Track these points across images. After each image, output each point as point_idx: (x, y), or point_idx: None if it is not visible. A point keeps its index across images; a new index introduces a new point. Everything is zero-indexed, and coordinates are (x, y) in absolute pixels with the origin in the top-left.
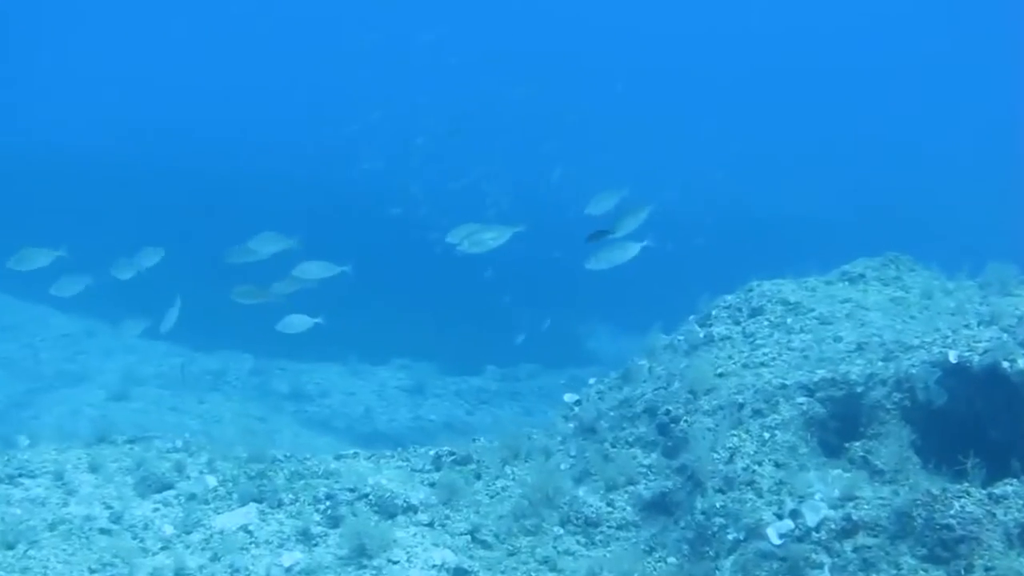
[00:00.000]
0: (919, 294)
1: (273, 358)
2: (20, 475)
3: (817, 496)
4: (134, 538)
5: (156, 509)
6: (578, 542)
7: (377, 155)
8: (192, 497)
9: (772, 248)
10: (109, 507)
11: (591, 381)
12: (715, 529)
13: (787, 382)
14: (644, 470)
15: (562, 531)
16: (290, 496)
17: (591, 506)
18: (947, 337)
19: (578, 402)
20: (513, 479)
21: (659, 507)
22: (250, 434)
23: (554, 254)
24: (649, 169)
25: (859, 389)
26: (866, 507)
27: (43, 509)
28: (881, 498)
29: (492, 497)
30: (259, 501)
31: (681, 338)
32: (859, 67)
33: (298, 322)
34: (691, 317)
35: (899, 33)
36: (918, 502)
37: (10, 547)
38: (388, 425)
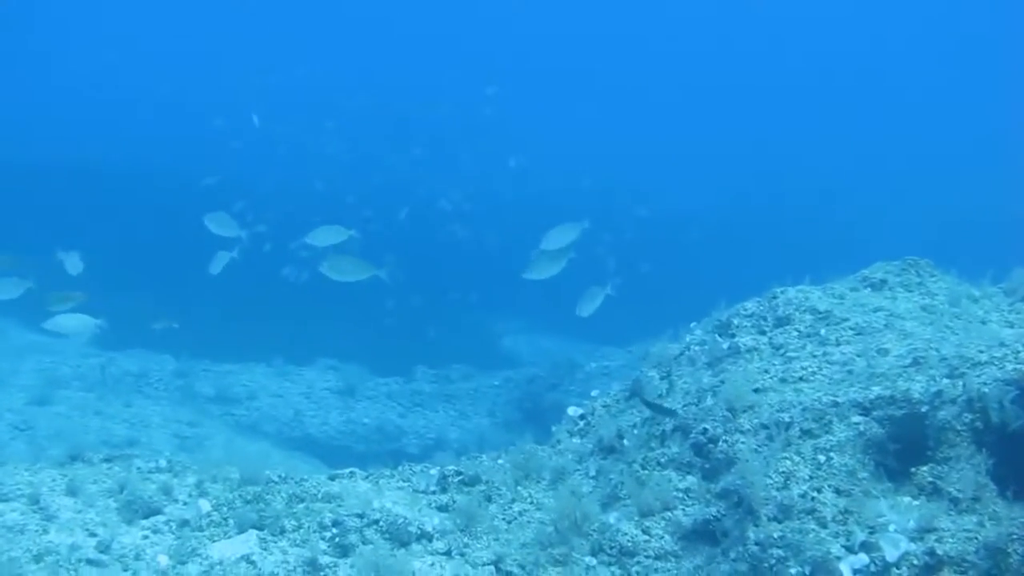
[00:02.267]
0: (946, 301)
1: (195, 359)
2: None
3: (892, 527)
4: (125, 570)
5: (146, 537)
6: (613, 574)
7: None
8: (184, 523)
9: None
10: (94, 535)
11: (594, 393)
12: (772, 562)
13: (839, 399)
14: (680, 494)
15: (594, 561)
16: (292, 522)
17: (625, 534)
18: (1018, 352)
19: (583, 416)
20: (530, 502)
21: (702, 536)
22: (180, 439)
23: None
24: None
25: (923, 408)
26: (950, 540)
27: (23, 538)
28: (966, 530)
29: (510, 522)
30: (259, 528)
31: (698, 348)
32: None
33: (72, 323)
34: (693, 324)
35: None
36: (1013, 536)
37: None
38: (320, 429)
